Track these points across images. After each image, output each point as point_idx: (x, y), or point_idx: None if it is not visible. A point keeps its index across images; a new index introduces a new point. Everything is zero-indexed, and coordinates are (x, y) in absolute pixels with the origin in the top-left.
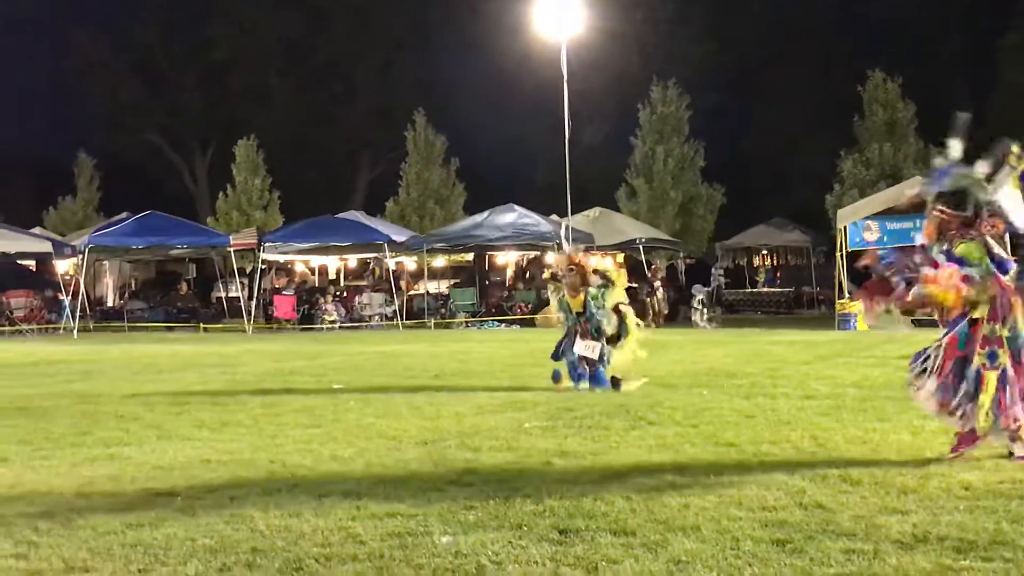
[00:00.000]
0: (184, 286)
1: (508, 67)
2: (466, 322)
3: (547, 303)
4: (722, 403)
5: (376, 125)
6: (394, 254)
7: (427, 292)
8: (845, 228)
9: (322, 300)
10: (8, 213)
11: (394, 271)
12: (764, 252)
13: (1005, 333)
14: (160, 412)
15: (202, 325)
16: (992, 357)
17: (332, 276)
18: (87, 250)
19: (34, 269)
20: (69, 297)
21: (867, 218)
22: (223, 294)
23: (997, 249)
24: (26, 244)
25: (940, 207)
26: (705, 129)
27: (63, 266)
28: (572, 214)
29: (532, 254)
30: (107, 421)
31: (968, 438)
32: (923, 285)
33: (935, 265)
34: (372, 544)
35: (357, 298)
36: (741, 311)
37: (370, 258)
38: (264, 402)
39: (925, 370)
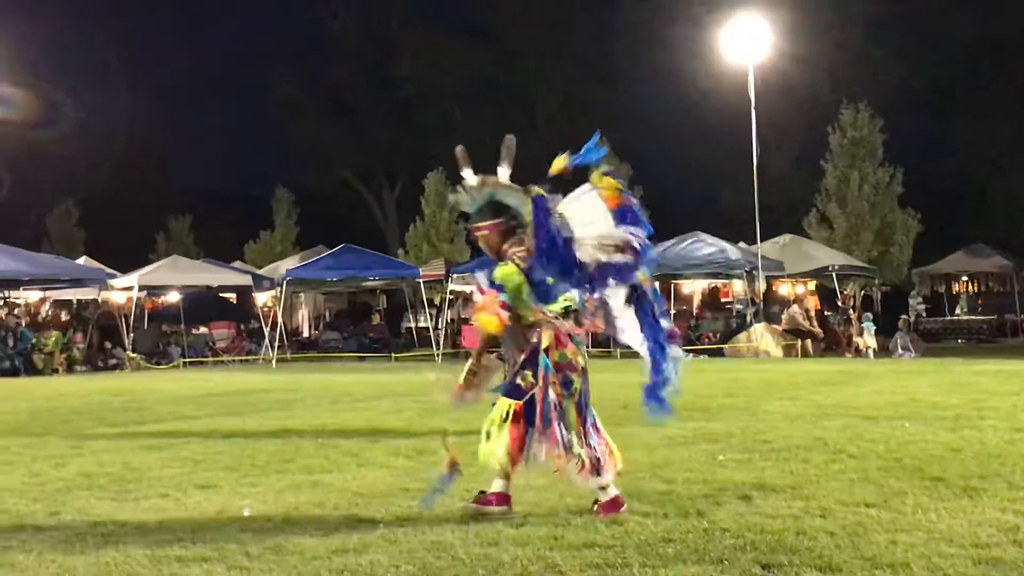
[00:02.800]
0: (376, 317)
1: (692, 94)
2: None
3: (737, 332)
4: (926, 435)
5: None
6: None
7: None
8: None
9: None
10: (210, 247)
11: None
12: (964, 279)
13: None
14: (357, 440)
15: (393, 355)
16: (567, 384)
17: None
18: (285, 283)
19: (235, 301)
20: (268, 328)
21: None
22: (413, 324)
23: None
24: (228, 277)
25: (478, 223)
26: (901, 153)
27: (262, 298)
28: (761, 241)
29: (720, 283)
30: (308, 448)
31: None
32: (475, 314)
33: (482, 291)
34: (571, 574)
35: None
36: (941, 340)
37: None
38: (457, 430)
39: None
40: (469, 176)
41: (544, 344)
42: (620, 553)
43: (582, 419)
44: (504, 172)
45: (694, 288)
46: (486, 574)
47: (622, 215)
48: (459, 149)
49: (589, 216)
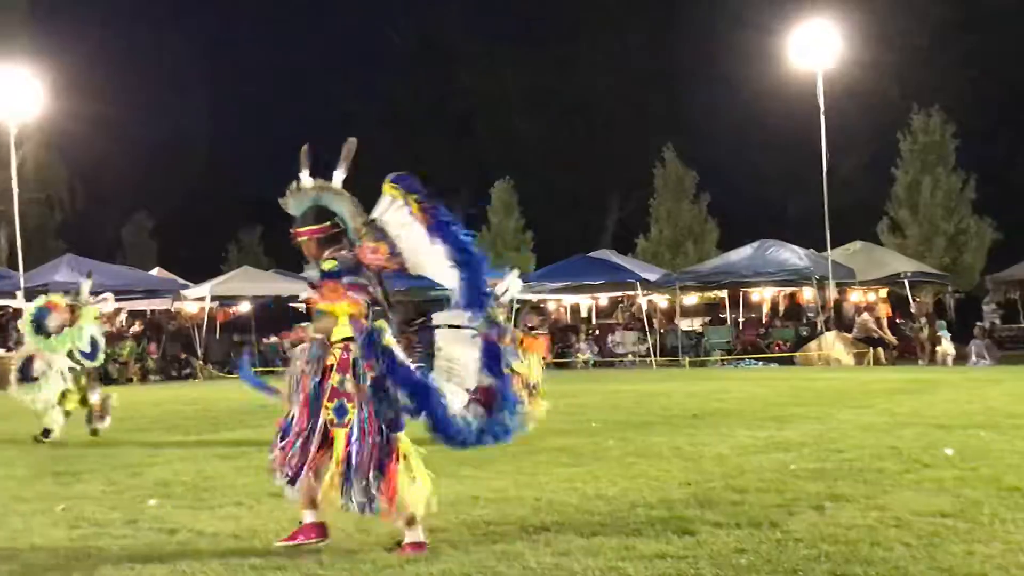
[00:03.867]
0: None
1: (759, 99)
2: (721, 360)
3: (807, 340)
4: (1002, 445)
5: (625, 163)
6: (646, 292)
7: (680, 330)
8: None
9: (575, 338)
10: (280, 257)
11: (646, 309)
12: None
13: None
14: (424, 449)
15: None
16: (340, 412)
17: (584, 315)
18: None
19: (305, 311)
20: None
21: None
22: None
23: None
24: (297, 287)
25: (299, 228)
26: (975, 159)
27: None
28: (831, 248)
29: (789, 290)
30: None
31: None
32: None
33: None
34: None
35: (610, 336)
36: (1016, 348)
37: (621, 296)
38: (523, 439)
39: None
40: (305, 178)
41: (328, 361)
42: (692, 564)
43: (348, 452)
44: (339, 175)
45: (763, 296)
46: None
47: (439, 230)
48: (304, 148)
49: (414, 240)
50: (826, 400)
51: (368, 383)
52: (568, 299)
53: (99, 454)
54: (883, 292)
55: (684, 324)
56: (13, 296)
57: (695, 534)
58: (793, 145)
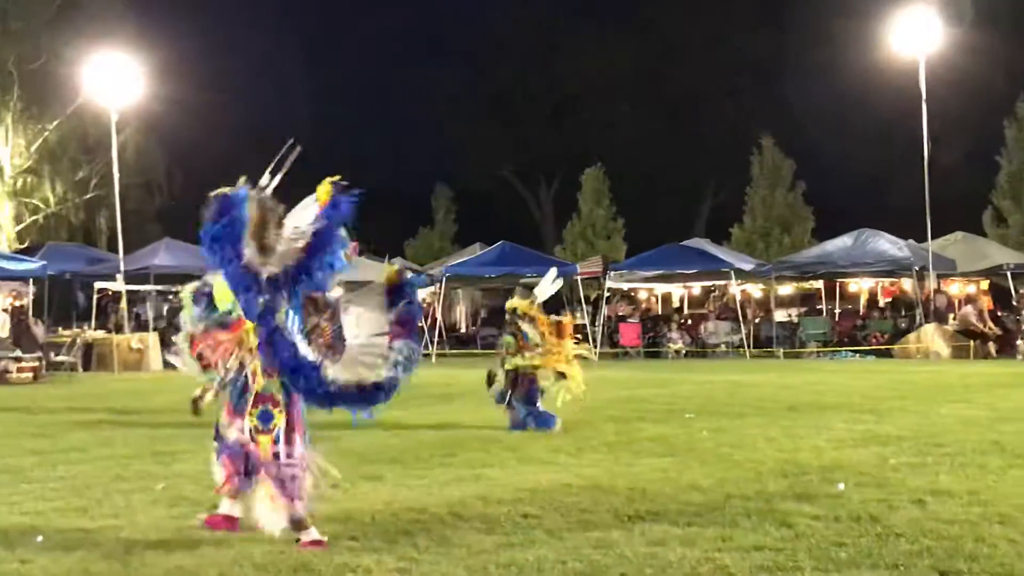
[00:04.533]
0: None
1: (859, 87)
2: (817, 352)
3: (906, 332)
4: None
5: (722, 151)
6: (740, 282)
7: (775, 321)
8: None
9: (667, 328)
10: (371, 244)
11: (739, 299)
12: None
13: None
14: (517, 435)
15: None
16: (265, 418)
17: (676, 304)
18: (444, 279)
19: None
20: (428, 324)
21: None
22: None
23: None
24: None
25: None
26: None
27: (421, 294)
28: (931, 238)
29: (887, 281)
30: (470, 443)
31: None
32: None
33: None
34: None
35: (703, 326)
36: None
37: (714, 286)
38: (616, 429)
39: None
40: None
41: (251, 367)
42: (791, 556)
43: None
44: (267, 180)
45: (861, 286)
46: (653, 573)
47: (331, 207)
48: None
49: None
50: (925, 393)
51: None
52: (660, 288)
53: (195, 434)
54: (984, 284)
55: (779, 314)
56: (113, 279)
57: (793, 526)
58: (894, 133)
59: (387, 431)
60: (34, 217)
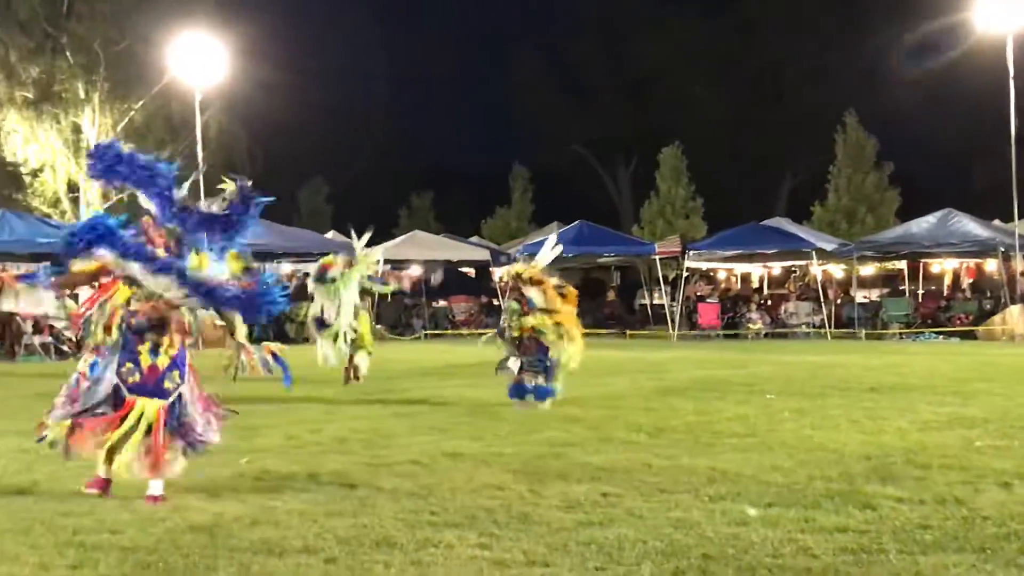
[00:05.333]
0: (611, 293)
1: (946, 63)
2: (900, 333)
3: (991, 314)
4: None
5: (804, 129)
6: (821, 262)
7: (857, 302)
8: None
9: (746, 308)
10: (450, 223)
11: (821, 279)
12: None
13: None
14: (597, 414)
15: (628, 331)
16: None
17: (755, 284)
18: (522, 258)
19: (474, 276)
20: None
21: None
22: (647, 301)
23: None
24: (466, 252)
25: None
26: None
27: (499, 273)
28: (1018, 219)
29: (973, 262)
30: (550, 421)
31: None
32: None
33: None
34: (825, 558)
35: (783, 306)
36: None
37: (794, 266)
38: (696, 409)
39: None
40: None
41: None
42: (875, 539)
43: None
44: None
45: (944, 267)
46: (735, 554)
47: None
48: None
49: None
50: (1011, 376)
51: None
52: (739, 268)
53: (276, 409)
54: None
55: (861, 295)
56: None
57: (876, 508)
58: (980, 111)
59: (466, 408)
60: (119, 196)
